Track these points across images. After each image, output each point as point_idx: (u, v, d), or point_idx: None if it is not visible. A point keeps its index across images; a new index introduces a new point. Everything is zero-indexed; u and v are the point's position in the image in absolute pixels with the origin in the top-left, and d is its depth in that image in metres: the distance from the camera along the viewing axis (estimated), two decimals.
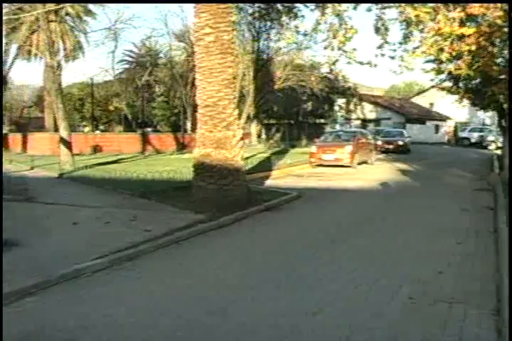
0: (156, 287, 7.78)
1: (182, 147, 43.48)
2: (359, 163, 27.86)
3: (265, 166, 24.31)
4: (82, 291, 7.58)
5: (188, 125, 52.78)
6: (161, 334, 6.12)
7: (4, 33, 43.30)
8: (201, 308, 6.87)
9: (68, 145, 25.67)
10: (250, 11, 29.17)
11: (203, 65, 14.27)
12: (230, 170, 14.03)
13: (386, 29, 21.35)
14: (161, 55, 64.12)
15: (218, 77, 14.09)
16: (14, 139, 45.44)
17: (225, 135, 14.04)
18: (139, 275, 8.38)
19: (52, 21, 30.75)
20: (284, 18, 27.04)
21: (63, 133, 25.88)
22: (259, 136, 56.61)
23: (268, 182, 20.19)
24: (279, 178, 21.92)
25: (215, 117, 14.06)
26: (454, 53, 18.43)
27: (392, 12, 21.30)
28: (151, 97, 68.11)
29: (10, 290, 7.23)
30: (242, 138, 14.82)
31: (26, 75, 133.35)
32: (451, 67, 21.16)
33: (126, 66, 71.70)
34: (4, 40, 43.28)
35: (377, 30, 21.33)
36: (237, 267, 8.89)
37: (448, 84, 27.56)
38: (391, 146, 40.32)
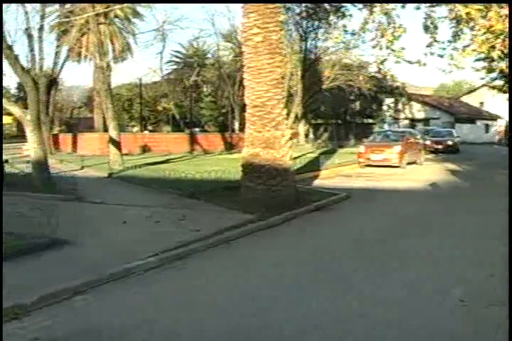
0: (206, 286, 7.81)
1: (230, 147, 43.60)
2: (408, 164, 27.57)
3: (313, 166, 24.24)
4: (132, 290, 7.65)
5: (236, 125, 52.92)
6: (209, 332, 6.14)
7: (55, 35, 44.08)
8: (250, 308, 6.87)
9: (117, 145, 25.97)
10: (298, 10, 29.13)
11: (252, 65, 14.28)
12: (279, 170, 14.02)
13: (435, 27, 21.13)
14: (209, 55, 64.42)
15: (267, 77, 14.08)
16: (64, 139, 46.06)
17: (274, 135, 14.03)
18: (189, 275, 8.43)
19: (101, 23, 31.13)
20: (332, 18, 26.95)
21: (113, 133, 26.20)
22: (306, 136, 56.53)
23: (316, 183, 20.13)
24: (327, 178, 21.84)
25: (264, 117, 14.06)
26: (505, 51, 18.13)
27: (441, 10, 21.08)
28: (199, 97, 68.45)
29: (61, 287, 7.34)
30: (290, 138, 14.81)
31: (76, 76, 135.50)
32: (502, 65, 20.84)
33: (174, 66, 72.21)
34: (55, 43, 43.98)
35: (426, 28, 21.14)
36: (288, 267, 8.86)
37: (499, 82, 27.13)
38: (440, 146, 39.81)
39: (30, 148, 18.70)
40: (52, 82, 43.12)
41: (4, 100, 19.43)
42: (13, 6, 18.57)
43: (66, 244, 9.94)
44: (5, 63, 17.84)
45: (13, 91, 76.25)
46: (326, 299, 7.16)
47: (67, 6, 39.37)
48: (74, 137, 44.32)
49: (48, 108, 40.84)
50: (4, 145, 54.16)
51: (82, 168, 25.98)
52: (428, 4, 20.37)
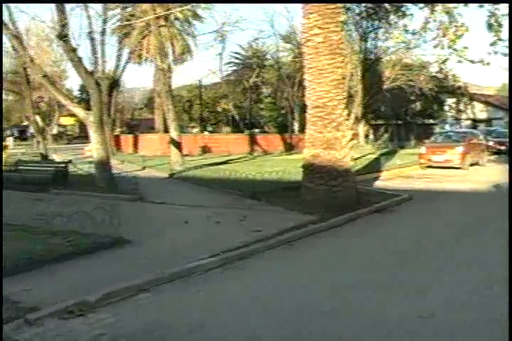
0: (266, 287, 7.80)
1: (289, 148, 43.56)
2: (470, 165, 27.05)
3: (374, 167, 24.04)
4: (194, 289, 7.71)
5: (296, 126, 52.84)
6: (267, 333, 6.15)
7: (116, 38, 44.74)
8: (312, 309, 6.84)
9: (178, 146, 26.24)
10: (357, 10, 28.92)
11: (312, 66, 14.25)
12: (340, 171, 13.95)
13: (499, 25, 20.70)
14: (268, 56, 64.44)
15: (328, 77, 14.03)
16: (126, 140, 46.73)
17: (335, 136, 13.97)
18: (250, 275, 8.45)
19: (162, 26, 31.53)
20: (392, 17, 26.68)
21: (173, 134, 26.48)
22: (366, 137, 56.06)
23: (377, 184, 19.95)
24: (388, 179, 21.62)
25: (325, 118, 14.01)
26: None
27: (505, 7, 20.62)
28: (259, 98, 68.61)
29: (125, 286, 7.46)
30: (351, 139, 14.71)
31: (137, 78, 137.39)
32: None
33: (234, 68, 72.50)
34: (117, 46, 44.64)
35: (489, 26, 20.73)
36: (350, 269, 8.80)
37: None
38: (503, 147, 38.90)
39: (93, 149, 19.07)
40: (114, 84, 43.78)
41: (68, 102, 19.85)
42: (77, 10, 18.86)
43: (128, 243, 10.11)
44: (68, 65, 18.17)
45: (76, 93, 77.75)
46: (389, 300, 7.10)
47: (129, 9, 40.02)
48: (135, 138, 44.92)
49: (109, 109, 41.46)
50: (67, 146, 55.59)
51: (144, 168, 26.33)
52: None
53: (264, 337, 6.10)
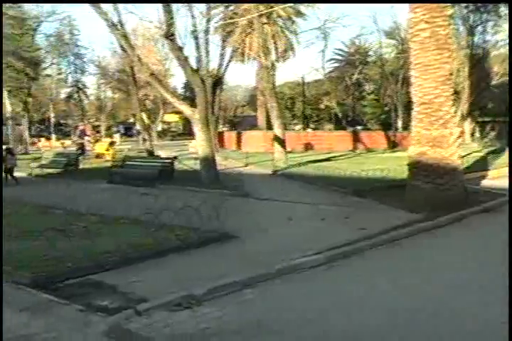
0: (374, 286, 7.70)
1: (393, 145, 42.92)
2: None
3: (481, 166, 23.33)
4: (298, 286, 7.70)
5: (399, 123, 52.08)
6: (374, 332, 6.07)
7: (220, 37, 45.27)
8: (422, 310, 6.71)
9: (282, 143, 26.35)
10: (465, 3, 28.19)
11: (419, 62, 13.97)
12: (446, 169, 13.63)
13: None
14: (371, 52, 63.85)
15: (434, 73, 13.72)
16: (229, 137, 47.31)
17: (442, 133, 13.64)
18: (356, 273, 8.37)
19: (265, 24, 31.66)
20: (503, 9, 25.85)
21: (277, 131, 26.60)
22: (472, 135, 54.62)
23: (484, 183, 19.34)
24: (496, 178, 20.92)
25: (431, 115, 13.70)
26: None
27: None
28: (361, 95, 68.08)
29: (230, 281, 7.53)
30: (458, 137, 14.34)
31: (240, 76, 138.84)
32: None
33: (336, 65, 72.24)
34: (220, 44, 45.24)
35: None
36: (459, 268, 8.56)
37: None
38: None
39: (198, 146, 19.40)
40: (218, 82, 44.36)
41: (174, 99, 20.31)
42: (183, 10, 19.24)
43: (234, 239, 10.24)
44: (175, 64, 18.52)
45: (180, 91, 79.33)
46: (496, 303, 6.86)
47: (231, 7, 40.49)
48: (238, 135, 45.40)
49: (213, 107, 42.07)
50: (171, 143, 56.78)
51: (247, 165, 26.57)
52: None
53: (359, 332, 6.04)
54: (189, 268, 8.41)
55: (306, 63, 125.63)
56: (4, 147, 23.74)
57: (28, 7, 45.55)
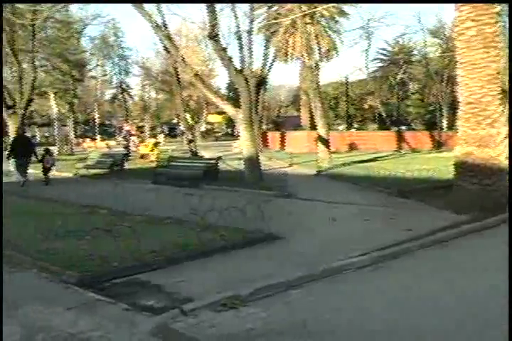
0: (422, 287, 7.58)
1: (438, 145, 42.50)
2: None
3: None
4: (345, 287, 7.64)
5: (444, 123, 51.54)
6: (418, 335, 5.97)
7: (263, 37, 45.32)
8: (470, 312, 6.61)
9: (326, 143, 26.29)
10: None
11: (465, 61, 13.78)
12: (494, 169, 13.40)
13: None
14: (415, 52, 63.30)
15: (481, 72, 13.51)
16: (273, 137, 47.42)
17: (489, 133, 13.42)
18: (403, 274, 8.26)
19: (308, 24, 31.60)
20: None
21: (321, 131, 26.56)
22: None
23: None
24: None
25: (478, 114, 13.50)
26: None
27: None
28: (406, 95, 67.56)
29: (276, 281, 7.50)
30: (506, 136, 14.10)
31: (283, 76, 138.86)
32: None
33: (380, 64, 71.81)
34: (264, 44, 45.26)
35: None
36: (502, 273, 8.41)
37: None
38: None
39: (242, 145, 19.47)
40: (261, 82, 44.47)
41: (218, 100, 20.40)
42: (227, 10, 19.33)
43: (278, 239, 10.22)
44: (218, 64, 18.62)
45: (223, 91, 79.75)
46: None
47: (274, 8, 40.48)
48: (282, 135, 45.46)
49: (256, 107, 42.18)
50: (214, 143, 57.23)
51: (291, 165, 26.56)
52: None
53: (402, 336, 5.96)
54: (234, 268, 8.41)
55: (350, 63, 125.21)
56: (43, 148, 24.24)
57: (74, 10, 46.36)
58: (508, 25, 15.71)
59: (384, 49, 70.00)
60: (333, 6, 43.78)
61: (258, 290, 7.17)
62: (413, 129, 58.72)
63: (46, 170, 21.91)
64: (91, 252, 8.67)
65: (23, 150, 20.78)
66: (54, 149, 45.32)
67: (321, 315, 6.55)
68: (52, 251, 8.78)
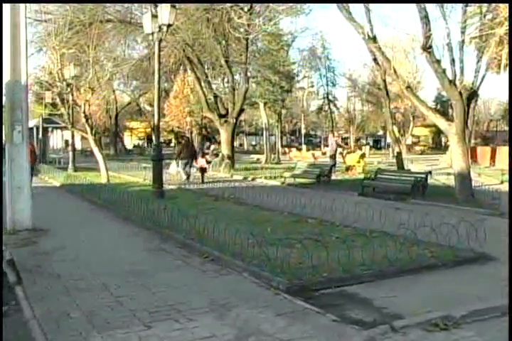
0: None
1: None
2: None
3: None
4: None
5: None
6: None
7: (474, 47, 43.86)
8: None
9: None
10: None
11: None
12: None
13: None
14: None
15: None
16: (482, 152, 45.75)
17: None
18: None
19: None
20: None
21: None
22: None
23: None
24: None
25: None
26: None
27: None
28: None
29: (489, 306, 7.18)
30: None
31: (494, 89, 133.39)
32: None
33: None
34: (476, 54, 43.80)
35: None
36: None
37: None
38: None
39: (453, 160, 18.90)
40: (473, 95, 42.99)
41: (430, 113, 20.06)
42: (440, 21, 18.91)
43: (491, 261, 9.76)
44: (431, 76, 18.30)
45: (431, 104, 78.31)
46: None
47: (488, 16, 38.92)
48: (492, 150, 43.78)
49: (467, 121, 40.87)
50: (420, 156, 55.76)
51: (502, 182, 25.37)
52: None
53: None
54: (444, 287, 8.14)
55: None
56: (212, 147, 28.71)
57: (283, 24, 47.70)
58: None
59: None
60: None
61: (472, 313, 6.89)
62: None
63: (203, 170, 26.57)
64: (301, 260, 8.81)
65: (188, 153, 26.36)
66: (261, 158, 46.94)
67: None
68: (264, 258, 9.00)
